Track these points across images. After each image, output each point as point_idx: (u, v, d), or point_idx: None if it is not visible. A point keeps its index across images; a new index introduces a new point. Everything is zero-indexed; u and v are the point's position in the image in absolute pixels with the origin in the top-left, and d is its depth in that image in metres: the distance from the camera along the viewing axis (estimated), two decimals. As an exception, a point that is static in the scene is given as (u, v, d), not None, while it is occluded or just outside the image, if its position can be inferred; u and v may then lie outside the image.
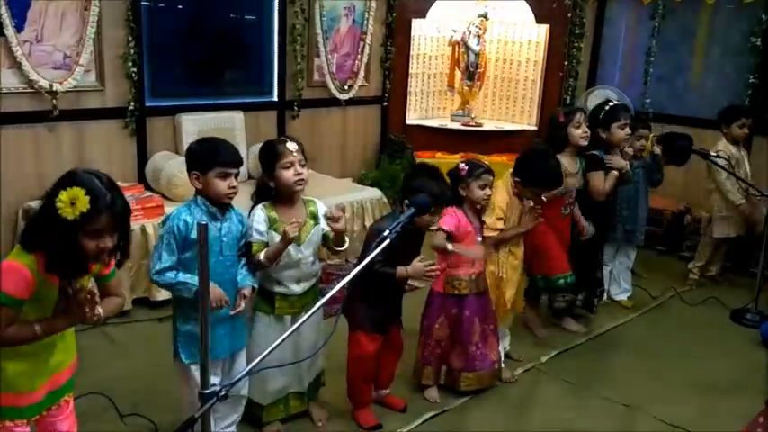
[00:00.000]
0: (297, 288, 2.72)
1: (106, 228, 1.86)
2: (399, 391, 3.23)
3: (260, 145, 5.16)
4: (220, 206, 2.49)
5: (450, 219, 3.04)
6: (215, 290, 2.36)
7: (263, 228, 2.62)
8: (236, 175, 2.49)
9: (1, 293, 1.83)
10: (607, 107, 3.79)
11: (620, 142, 3.75)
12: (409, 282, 3.01)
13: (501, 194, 3.26)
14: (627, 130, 3.75)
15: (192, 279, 2.38)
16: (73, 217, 1.79)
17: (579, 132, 3.58)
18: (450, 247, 3.02)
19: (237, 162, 2.50)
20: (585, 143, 3.61)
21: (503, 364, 3.45)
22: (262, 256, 2.58)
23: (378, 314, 2.89)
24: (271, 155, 2.64)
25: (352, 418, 3.01)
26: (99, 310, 1.96)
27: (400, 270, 2.74)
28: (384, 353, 3.01)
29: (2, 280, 1.83)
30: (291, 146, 2.62)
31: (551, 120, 3.77)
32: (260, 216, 2.64)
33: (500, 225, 3.23)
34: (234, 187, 2.46)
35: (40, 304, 1.91)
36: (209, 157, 2.45)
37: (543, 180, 3.25)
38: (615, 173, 3.70)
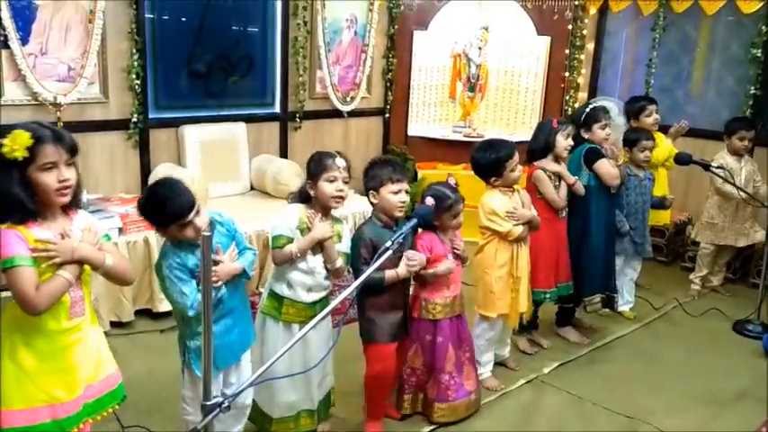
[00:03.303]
0: (306, 297, 2.73)
1: (58, 159, 1.91)
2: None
3: (262, 156, 5.25)
4: None
5: (421, 245, 2.98)
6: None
7: (294, 225, 2.67)
8: (198, 212, 2.33)
9: (11, 258, 1.86)
10: (588, 109, 3.89)
11: (602, 142, 3.85)
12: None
13: (495, 203, 3.26)
14: (607, 130, 3.85)
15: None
16: (21, 155, 1.84)
17: (565, 144, 3.63)
18: (430, 272, 2.98)
19: (191, 205, 2.31)
20: (565, 155, 3.68)
21: (490, 374, 3.46)
22: (294, 247, 2.63)
23: (390, 323, 2.87)
24: (317, 165, 2.71)
25: (362, 429, 3.01)
26: (106, 256, 2.03)
27: (389, 273, 2.75)
28: None
29: (2, 248, 1.87)
30: (340, 162, 2.71)
31: (542, 124, 3.83)
32: (294, 214, 2.70)
33: (512, 221, 3.26)
34: (199, 228, 2.29)
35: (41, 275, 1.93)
36: (163, 219, 2.33)
37: (497, 161, 3.25)
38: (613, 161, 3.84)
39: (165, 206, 2.31)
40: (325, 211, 2.75)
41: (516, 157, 3.28)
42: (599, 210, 3.84)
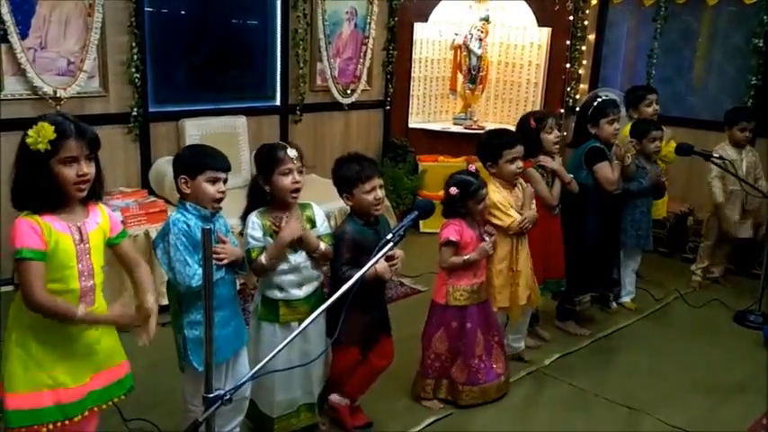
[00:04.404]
0: (299, 293, 2.69)
1: (79, 154, 1.97)
2: (400, 395, 3.24)
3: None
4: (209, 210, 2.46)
5: (453, 228, 3.03)
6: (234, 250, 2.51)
7: (258, 234, 2.61)
8: (225, 181, 2.46)
9: (20, 249, 1.91)
10: (596, 103, 3.81)
11: (610, 137, 3.77)
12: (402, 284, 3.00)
13: (496, 196, 3.25)
14: (615, 125, 3.77)
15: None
16: (44, 147, 1.91)
17: (551, 138, 3.59)
18: (465, 258, 3.01)
19: (227, 167, 2.47)
20: (557, 149, 3.63)
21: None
22: (263, 258, 2.57)
23: (360, 325, 2.79)
24: (269, 159, 2.61)
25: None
26: (151, 327, 2.17)
27: (369, 271, 2.65)
28: (370, 362, 2.93)
29: (16, 238, 1.92)
30: (292, 153, 2.60)
31: (522, 125, 3.63)
32: (254, 223, 2.63)
33: (514, 213, 3.24)
34: (222, 192, 2.44)
35: (58, 262, 1.97)
36: (199, 161, 2.42)
37: (496, 146, 3.25)
38: (618, 162, 3.76)
39: (211, 152, 2.47)
40: (285, 205, 2.65)
41: (517, 150, 3.24)
42: (596, 209, 3.79)
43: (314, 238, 2.67)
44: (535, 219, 3.31)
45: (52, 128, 1.91)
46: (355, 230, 2.75)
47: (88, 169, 1.99)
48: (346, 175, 2.75)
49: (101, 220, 2.12)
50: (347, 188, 2.76)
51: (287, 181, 2.59)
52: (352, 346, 2.85)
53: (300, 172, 2.63)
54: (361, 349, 2.90)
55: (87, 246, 2.05)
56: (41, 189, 1.94)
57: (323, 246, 2.69)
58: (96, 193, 2.10)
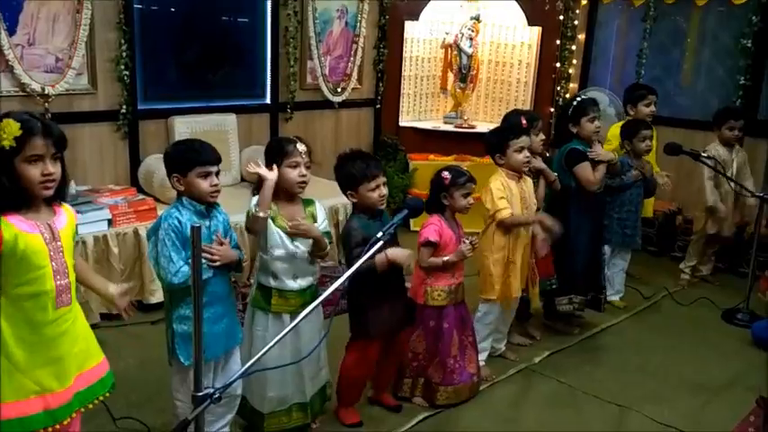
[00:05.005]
0: (293, 284, 2.70)
1: (45, 152, 1.92)
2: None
3: (253, 147, 5.21)
4: (206, 204, 2.48)
5: (433, 228, 3.04)
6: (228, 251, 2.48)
7: None
8: (218, 173, 2.47)
9: None
10: (575, 102, 3.80)
11: (591, 135, 3.75)
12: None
13: (495, 183, 3.27)
14: (596, 123, 3.74)
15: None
16: (9, 144, 1.85)
17: (537, 140, 3.63)
18: (444, 259, 3.02)
19: (217, 159, 2.48)
20: (541, 149, 3.69)
21: (483, 363, 3.45)
22: (253, 202, 2.57)
23: (382, 317, 2.83)
24: (278, 152, 2.66)
25: (334, 413, 3.03)
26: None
27: (379, 257, 2.64)
28: (388, 356, 2.99)
29: None
30: (301, 147, 2.66)
31: (511, 120, 3.61)
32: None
33: (505, 204, 3.24)
34: (216, 185, 2.45)
35: (29, 264, 1.93)
36: (188, 157, 2.43)
37: (503, 138, 3.31)
38: (603, 165, 3.73)
39: (199, 147, 2.47)
40: (290, 197, 2.70)
41: (523, 140, 3.28)
42: (579, 209, 3.76)
43: (324, 239, 2.70)
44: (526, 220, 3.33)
45: (18, 124, 1.86)
46: (363, 225, 2.78)
47: (54, 168, 1.94)
48: (352, 172, 2.79)
49: (67, 220, 2.08)
50: (352, 185, 2.79)
51: (294, 174, 2.64)
52: (373, 338, 2.87)
53: (308, 167, 2.68)
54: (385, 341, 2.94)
55: (59, 244, 2.00)
56: (5, 188, 1.88)
57: (328, 247, 2.73)
58: (62, 193, 2.06)
